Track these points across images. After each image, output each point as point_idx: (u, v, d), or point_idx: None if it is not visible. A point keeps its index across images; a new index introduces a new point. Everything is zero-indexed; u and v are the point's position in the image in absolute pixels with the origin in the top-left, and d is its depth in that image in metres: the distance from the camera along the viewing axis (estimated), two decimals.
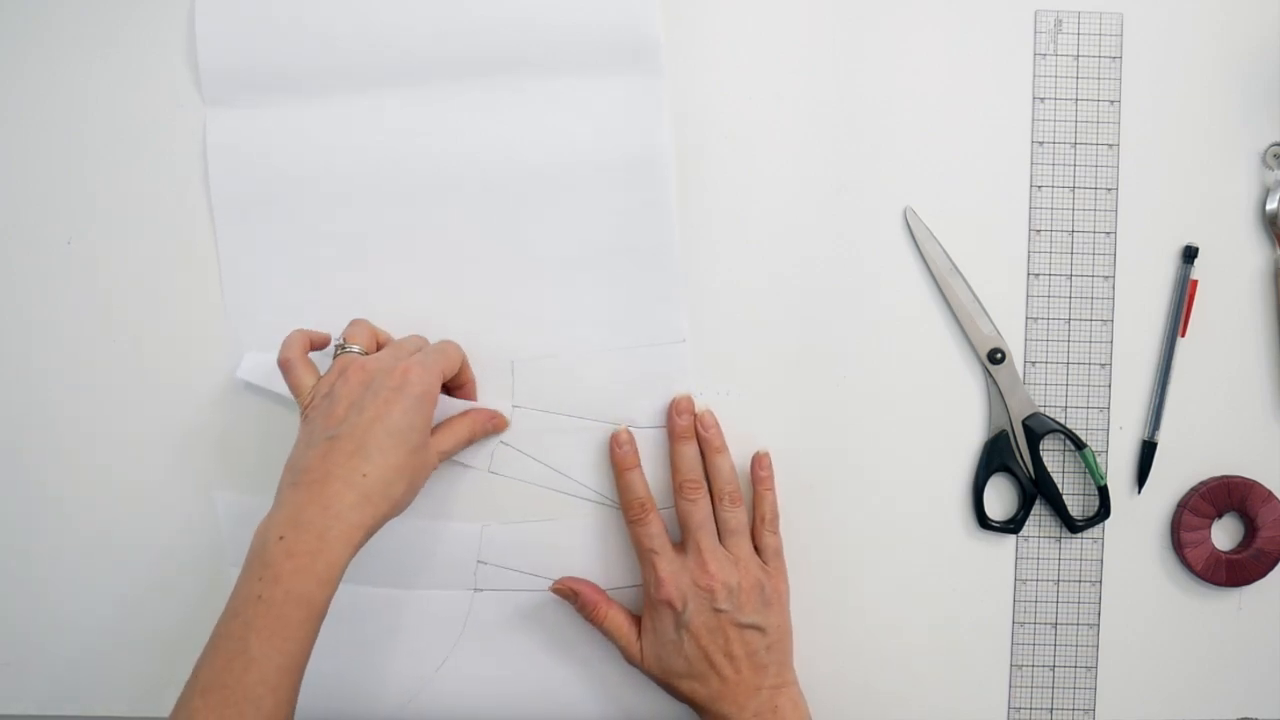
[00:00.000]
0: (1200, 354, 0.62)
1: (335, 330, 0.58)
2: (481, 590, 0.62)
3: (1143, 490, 0.62)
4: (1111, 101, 0.62)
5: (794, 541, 0.61)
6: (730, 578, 0.57)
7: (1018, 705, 0.63)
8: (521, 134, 0.61)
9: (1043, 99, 0.62)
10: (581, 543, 0.62)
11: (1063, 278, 0.62)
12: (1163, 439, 0.62)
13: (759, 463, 0.61)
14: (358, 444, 0.52)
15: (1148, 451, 0.62)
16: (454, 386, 0.60)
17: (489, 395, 0.61)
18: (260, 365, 0.60)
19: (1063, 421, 0.62)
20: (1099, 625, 0.63)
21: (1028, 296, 0.62)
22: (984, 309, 0.62)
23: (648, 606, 0.59)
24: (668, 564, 0.58)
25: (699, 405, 0.61)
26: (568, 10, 0.60)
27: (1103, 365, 0.62)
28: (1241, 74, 0.62)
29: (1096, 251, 0.62)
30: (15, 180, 0.62)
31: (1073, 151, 0.62)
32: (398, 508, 0.53)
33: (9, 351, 0.62)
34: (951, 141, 0.62)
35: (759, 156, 0.62)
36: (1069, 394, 0.62)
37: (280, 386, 0.57)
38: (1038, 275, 0.62)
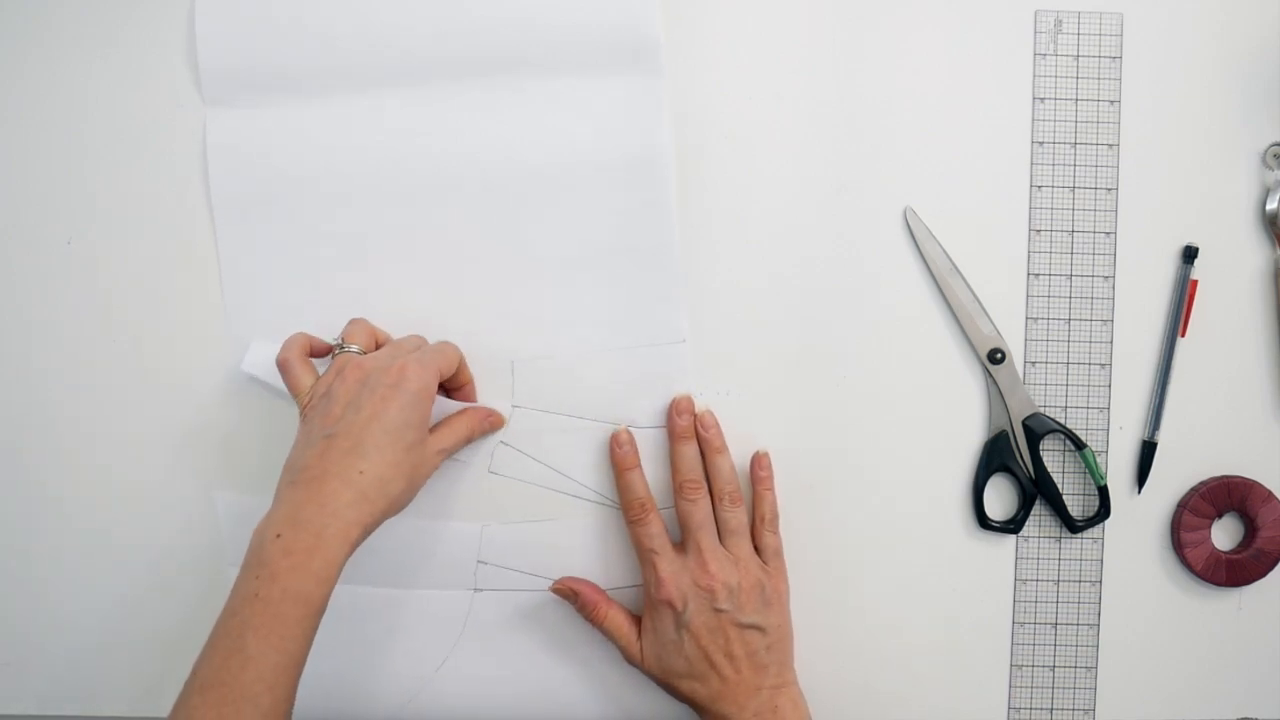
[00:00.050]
0: (1200, 354, 0.62)
1: (335, 330, 0.58)
2: (481, 590, 0.62)
3: (1143, 490, 0.62)
4: (1111, 101, 0.62)
5: (794, 541, 0.61)
6: (730, 578, 0.57)
7: (1018, 705, 0.63)
8: (521, 134, 0.61)
9: (1043, 99, 0.62)
10: (581, 543, 0.62)
11: (1063, 278, 0.62)
12: (1163, 439, 0.62)
13: (759, 463, 0.61)
14: (355, 442, 0.52)
15: (1148, 451, 0.62)
16: (453, 387, 0.60)
17: (489, 395, 0.61)
18: (265, 357, 0.60)
19: (1063, 421, 0.62)
20: (1099, 625, 0.63)
21: (1028, 296, 0.62)
22: (984, 309, 0.62)
23: (648, 606, 0.59)
24: (668, 564, 0.58)
25: (699, 405, 0.61)
26: (568, 10, 0.60)
27: (1103, 365, 0.62)
28: (1241, 74, 0.62)
29: (1096, 251, 0.62)
30: (15, 180, 0.62)
31: (1073, 151, 0.62)
32: (396, 506, 0.53)
33: (9, 351, 0.62)
34: (951, 141, 0.62)
35: (759, 156, 0.62)
36: (1069, 394, 0.62)
37: (282, 383, 0.57)
38: (1038, 275, 0.62)
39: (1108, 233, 0.62)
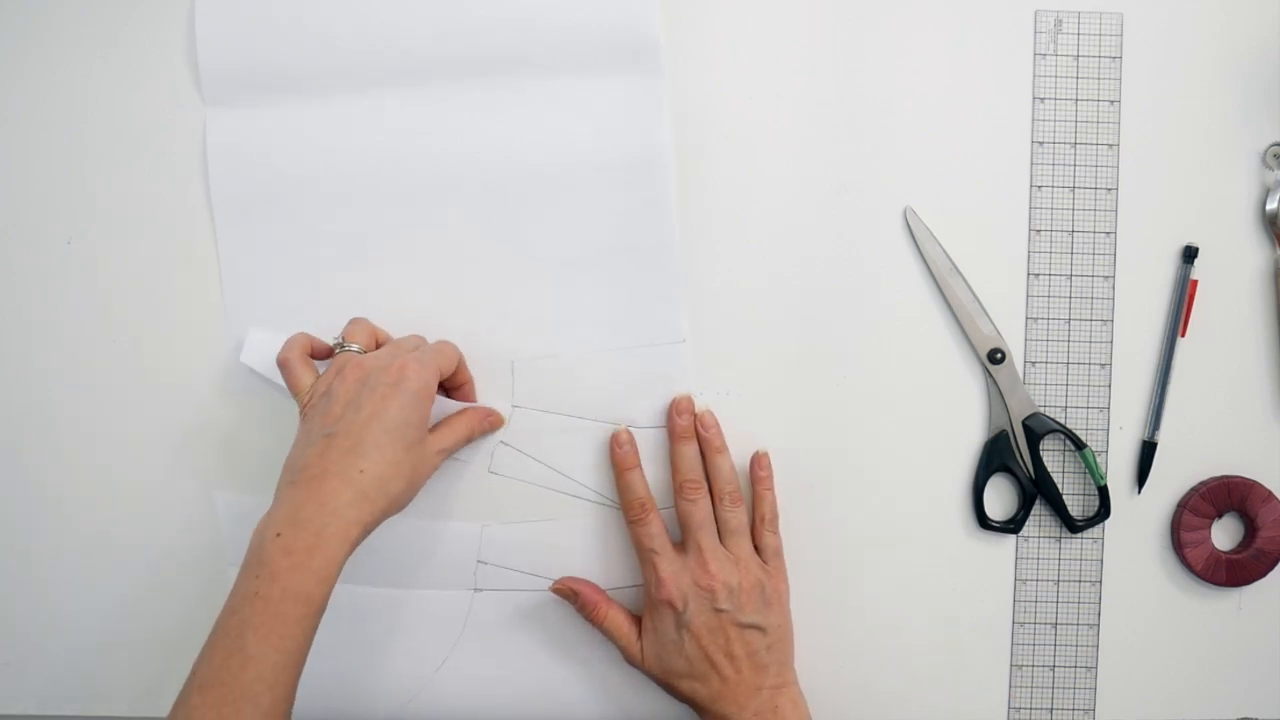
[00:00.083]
0: (1200, 354, 0.62)
1: (335, 330, 0.58)
2: (481, 590, 0.62)
3: (1143, 490, 0.62)
4: (1111, 101, 0.62)
5: (794, 541, 0.61)
6: (731, 578, 0.57)
7: (1018, 705, 0.63)
8: (521, 134, 0.61)
9: (1043, 99, 0.62)
10: (581, 543, 0.62)
11: (1063, 278, 0.62)
12: (1163, 439, 0.62)
13: (758, 462, 0.61)
14: (354, 441, 0.52)
15: (1148, 451, 0.62)
16: (452, 387, 0.60)
17: (489, 395, 0.61)
18: (263, 347, 0.60)
19: (1063, 421, 0.62)
20: (1099, 625, 0.63)
21: (1028, 296, 0.62)
22: (984, 309, 0.62)
23: (648, 606, 0.59)
24: (668, 564, 0.58)
25: (699, 405, 0.61)
26: (568, 10, 0.60)
27: (1103, 365, 0.62)
28: (1241, 74, 0.62)
29: (1096, 251, 0.62)
30: (15, 180, 0.62)
31: (1073, 151, 0.62)
32: (396, 505, 0.53)
33: (9, 351, 0.62)
34: (951, 141, 0.62)
35: (759, 156, 0.62)
36: (1069, 394, 0.62)
37: (281, 378, 0.57)
38: (1038, 275, 0.62)
39: (1108, 233, 0.62)
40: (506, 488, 0.62)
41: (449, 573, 0.62)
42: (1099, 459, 0.62)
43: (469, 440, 0.59)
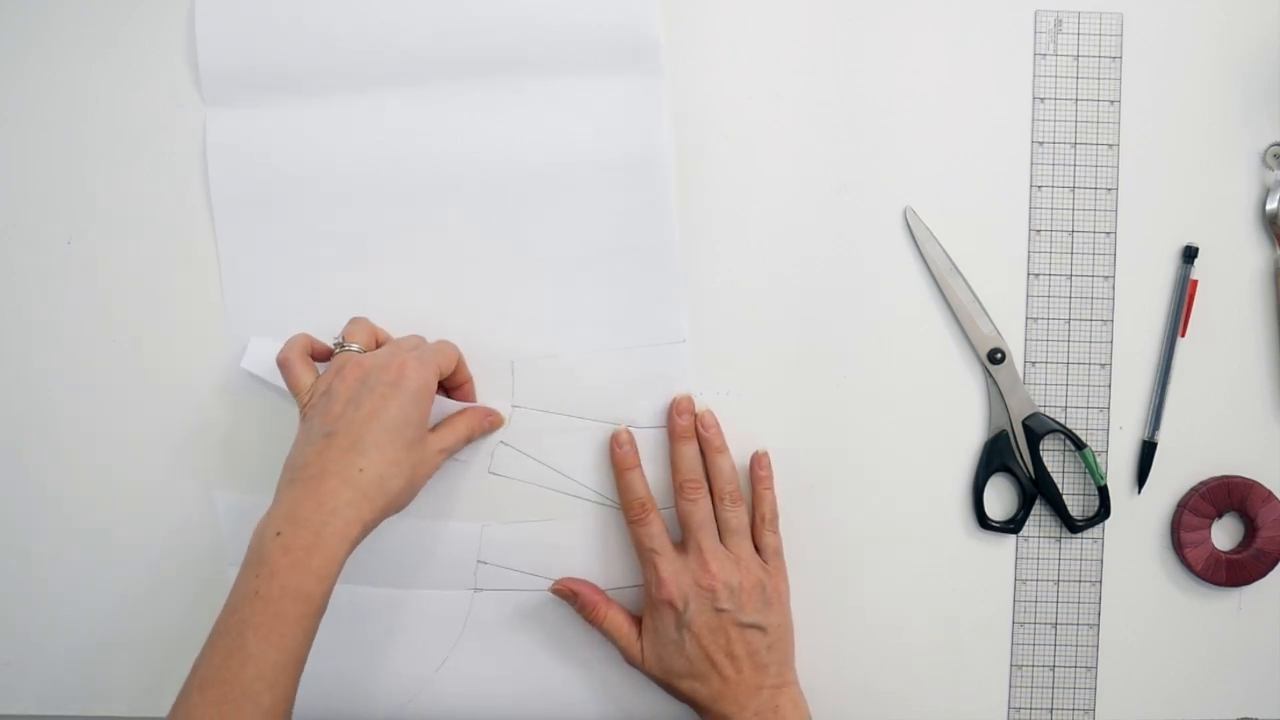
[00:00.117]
0: (1200, 354, 0.62)
1: (335, 330, 0.58)
2: (481, 590, 0.62)
3: (1143, 490, 0.62)
4: (1111, 101, 0.62)
5: (794, 541, 0.61)
6: (732, 577, 0.57)
7: (1018, 705, 0.63)
8: (521, 134, 0.61)
9: (1043, 99, 0.62)
10: (581, 543, 0.62)
11: (1063, 278, 0.62)
12: (1163, 439, 0.62)
13: (759, 462, 0.61)
14: (354, 440, 0.52)
15: (1148, 451, 0.62)
16: (452, 387, 0.60)
17: (489, 395, 0.61)
18: (264, 355, 0.60)
19: (1063, 421, 0.62)
20: (1099, 625, 0.63)
21: (1028, 296, 0.62)
22: (984, 309, 0.62)
23: (649, 606, 0.59)
24: (669, 564, 0.58)
25: (699, 405, 0.61)
26: (568, 10, 0.60)
27: (1103, 365, 0.62)
28: (1241, 74, 0.62)
29: (1096, 251, 0.62)
30: (15, 180, 0.62)
31: (1073, 151, 0.62)
32: (396, 504, 0.53)
33: (9, 351, 0.62)
34: (951, 141, 0.62)
35: (759, 156, 0.62)
36: (1069, 394, 0.62)
37: (282, 381, 0.57)
38: (1038, 275, 0.62)
39: (1108, 233, 0.62)
40: (506, 488, 0.62)
41: (449, 573, 0.62)
42: (1099, 459, 0.62)
43: (469, 440, 0.59)
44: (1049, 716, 0.63)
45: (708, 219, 0.61)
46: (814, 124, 0.62)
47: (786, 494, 0.61)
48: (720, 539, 0.59)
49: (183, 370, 0.62)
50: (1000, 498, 0.63)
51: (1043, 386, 0.62)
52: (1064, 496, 0.62)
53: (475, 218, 0.61)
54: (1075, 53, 0.62)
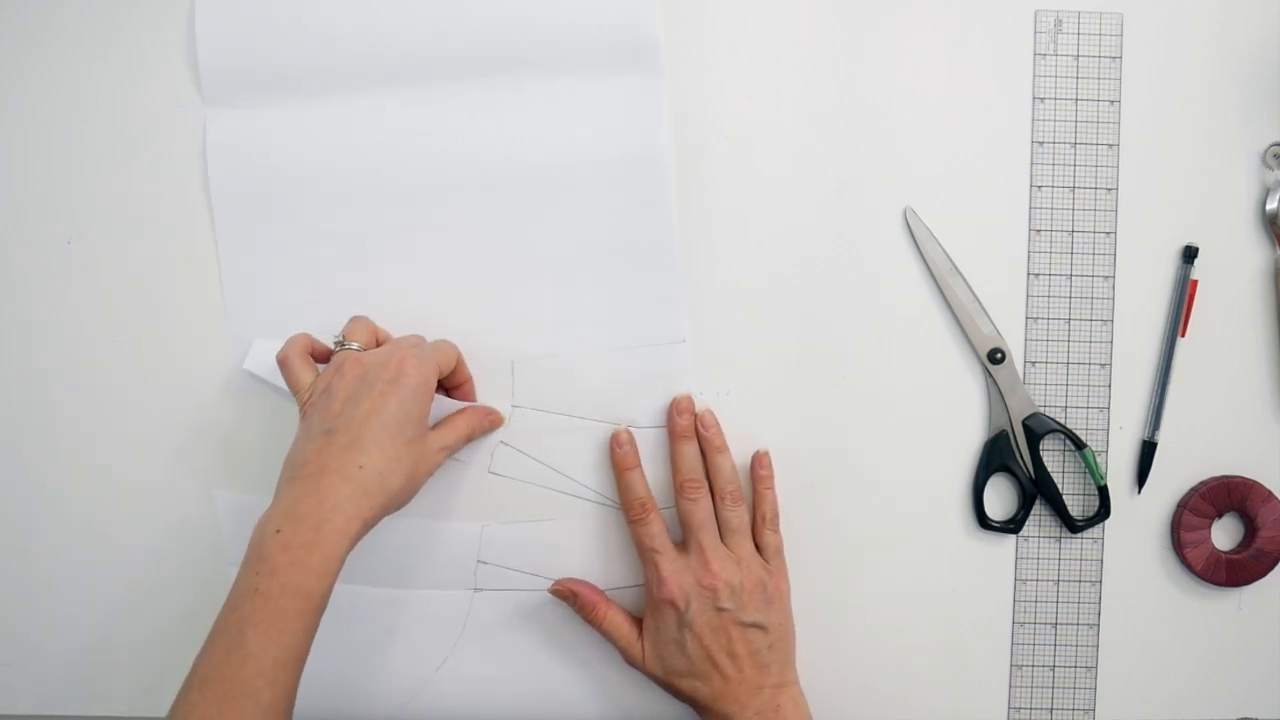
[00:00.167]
0: (1200, 354, 0.62)
1: (335, 331, 0.58)
2: (481, 590, 0.62)
3: (1143, 490, 0.62)
4: (1111, 101, 0.62)
5: (794, 541, 0.61)
6: (733, 576, 0.57)
7: (1018, 705, 0.63)
8: (521, 134, 0.61)
9: (1043, 99, 0.62)
10: (581, 543, 0.62)
11: (1063, 278, 0.62)
12: (1163, 439, 0.62)
13: (759, 462, 0.61)
14: (353, 437, 0.52)
15: (1148, 451, 0.62)
16: (451, 386, 0.60)
17: (489, 395, 0.61)
18: (267, 356, 0.60)
19: (1063, 421, 0.62)
20: (1099, 625, 0.63)
21: (1028, 296, 0.62)
22: (984, 309, 0.62)
23: (650, 606, 0.59)
24: (670, 563, 0.58)
25: (699, 405, 0.61)
26: (568, 10, 0.60)
27: (1103, 365, 0.62)
28: (1241, 74, 0.62)
29: (1096, 251, 0.62)
30: (15, 180, 0.62)
31: (1073, 151, 0.62)
32: (396, 501, 0.53)
33: (9, 351, 0.62)
34: (951, 141, 0.62)
35: (759, 156, 0.62)
36: (1069, 394, 0.62)
37: (283, 382, 0.57)
38: (1038, 275, 0.62)
39: (1108, 233, 0.62)
40: (506, 488, 0.62)
41: (449, 573, 0.62)
42: (1099, 459, 0.62)
43: (469, 439, 0.59)
44: (1049, 716, 0.63)
45: (708, 219, 0.61)
46: (814, 124, 0.62)
47: (786, 494, 0.61)
48: (721, 538, 0.59)
49: (183, 370, 0.62)
50: (1000, 498, 0.63)
51: (1043, 386, 0.62)
52: (1064, 496, 0.62)
53: (475, 218, 0.61)
54: (1075, 53, 0.62)
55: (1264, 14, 0.62)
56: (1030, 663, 0.63)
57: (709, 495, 0.59)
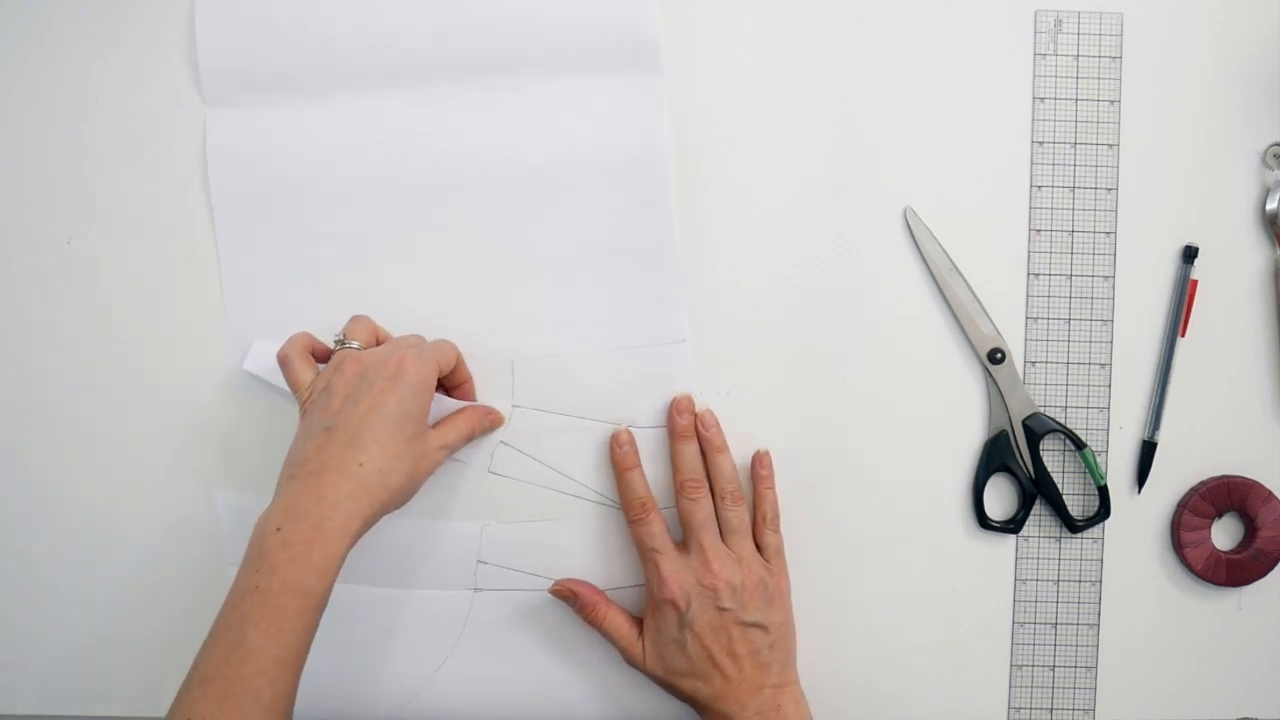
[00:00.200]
0: (1200, 354, 0.62)
1: (336, 331, 0.58)
2: (481, 590, 0.62)
3: (1143, 490, 0.62)
4: (1111, 101, 0.62)
5: (794, 541, 0.61)
6: (734, 576, 0.57)
7: (1018, 705, 0.63)
8: (521, 134, 0.61)
9: (1043, 99, 0.62)
10: (581, 543, 0.62)
11: (1063, 278, 0.62)
12: (1163, 439, 0.62)
13: (759, 461, 0.61)
14: (353, 434, 0.52)
15: (1148, 451, 0.62)
16: (451, 386, 0.60)
17: (489, 395, 0.61)
18: (267, 357, 0.60)
19: (1063, 421, 0.62)
20: (1099, 625, 0.63)
21: (1028, 296, 0.62)
22: (984, 309, 0.62)
23: (650, 606, 0.59)
24: (670, 563, 0.58)
25: (699, 405, 0.61)
26: (568, 10, 0.60)
27: (1103, 365, 0.62)
28: (1241, 74, 0.62)
29: (1096, 251, 0.62)
30: (15, 180, 0.62)
31: (1073, 151, 0.62)
32: (396, 499, 0.53)
33: (9, 351, 0.62)
34: (951, 141, 0.62)
35: (759, 156, 0.62)
36: (1069, 394, 0.62)
37: (284, 382, 0.57)
38: (1038, 275, 0.62)
39: (1108, 233, 0.62)
40: (506, 488, 0.62)
41: (449, 573, 0.62)
42: (1099, 459, 0.62)
43: (470, 438, 0.59)
44: (1049, 716, 0.63)
45: (708, 219, 0.61)
46: (814, 124, 0.62)
47: (786, 494, 0.61)
48: (721, 538, 0.59)
49: (183, 370, 0.62)
50: (1000, 498, 0.63)
51: (1043, 386, 0.62)
52: (1064, 496, 0.62)
53: (475, 218, 0.61)
54: (1075, 53, 0.62)
55: (1264, 14, 0.62)
56: (1030, 663, 0.63)
57: (709, 495, 0.59)
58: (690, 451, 0.60)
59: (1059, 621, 0.63)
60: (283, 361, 0.56)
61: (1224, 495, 0.61)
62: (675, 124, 0.61)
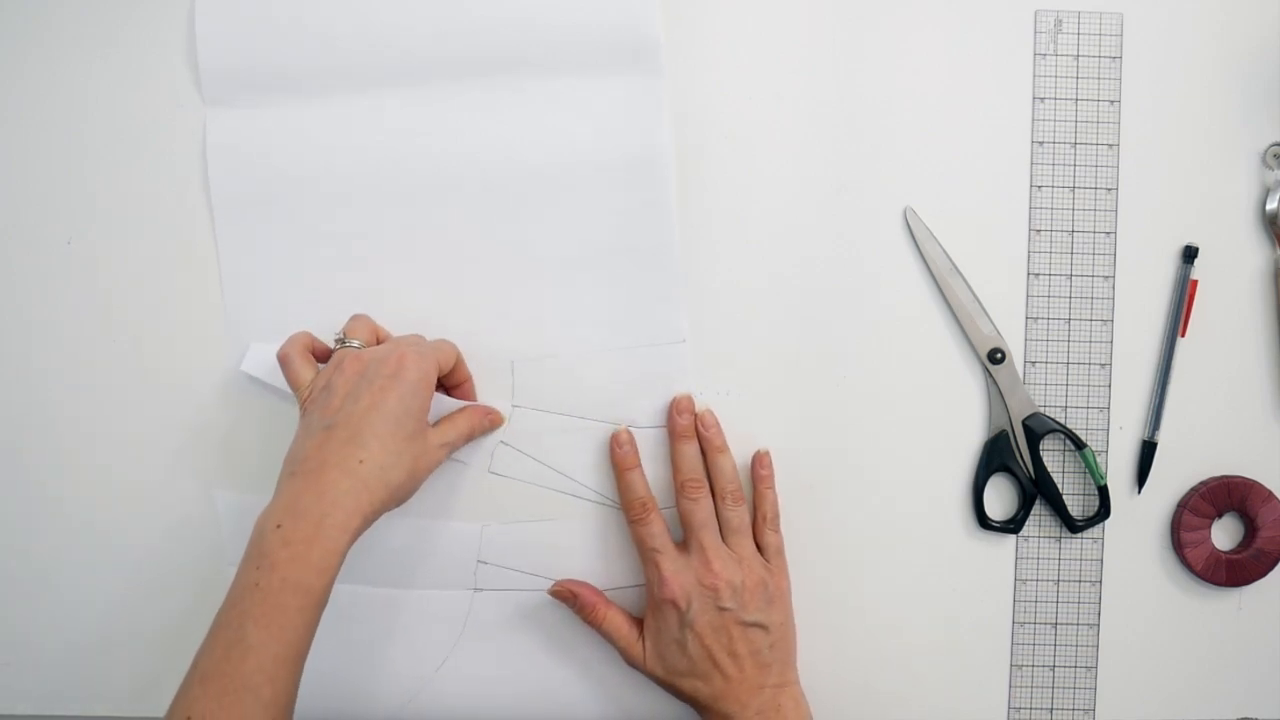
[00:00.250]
0: (1200, 354, 0.62)
1: (335, 331, 0.58)
2: (481, 590, 0.62)
3: (1143, 490, 0.62)
4: (1111, 101, 0.62)
5: (794, 541, 0.61)
6: (734, 576, 0.57)
7: (1018, 705, 0.63)
8: (521, 134, 0.61)
9: (1043, 99, 0.62)
10: (581, 543, 0.62)
11: (1063, 278, 0.62)
12: (1163, 439, 0.62)
13: (759, 461, 0.61)
14: (353, 432, 0.52)
15: (1148, 451, 0.62)
16: (451, 385, 0.60)
17: (489, 395, 0.61)
18: (264, 358, 0.60)
19: (1063, 421, 0.62)
20: (1099, 625, 0.63)
21: (1028, 296, 0.62)
22: (984, 309, 0.62)
23: (651, 606, 0.59)
24: (671, 563, 0.58)
25: (699, 405, 0.61)
26: (568, 10, 0.60)
27: (1103, 365, 0.62)
28: (1241, 74, 0.62)
29: (1096, 251, 0.62)
30: (15, 180, 0.62)
31: (1073, 151, 0.62)
32: (397, 497, 0.53)
33: (9, 351, 0.62)
34: (951, 141, 0.62)
35: (759, 156, 0.62)
36: (1069, 394, 0.62)
37: (282, 382, 0.57)
38: (1038, 275, 0.62)
39: (1108, 233, 0.62)
40: (506, 488, 0.62)
41: (449, 573, 0.62)
42: (1099, 459, 0.62)
43: (470, 437, 0.59)
44: (1049, 716, 0.63)
45: (708, 219, 0.62)
46: (814, 124, 0.62)
47: (786, 494, 0.61)
48: (722, 538, 0.59)
49: (183, 370, 0.62)
50: (1000, 498, 0.63)
51: (1043, 386, 0.62)
52: (1064, 496, 0.62)
53: (475, 218, 0.61)
54: (1075, 53, 0.62)
55: (1264, 14, 0.62)
56: (1030, 663, 0.63)
57: (710, 495, 0.59)
58: (690, 451, 0.60)
59: (1059, 621, 0.63)
60: (283, 360, 0.56)
61: (1224, 495, 0.61)
62: (675, 124, 0.61)
